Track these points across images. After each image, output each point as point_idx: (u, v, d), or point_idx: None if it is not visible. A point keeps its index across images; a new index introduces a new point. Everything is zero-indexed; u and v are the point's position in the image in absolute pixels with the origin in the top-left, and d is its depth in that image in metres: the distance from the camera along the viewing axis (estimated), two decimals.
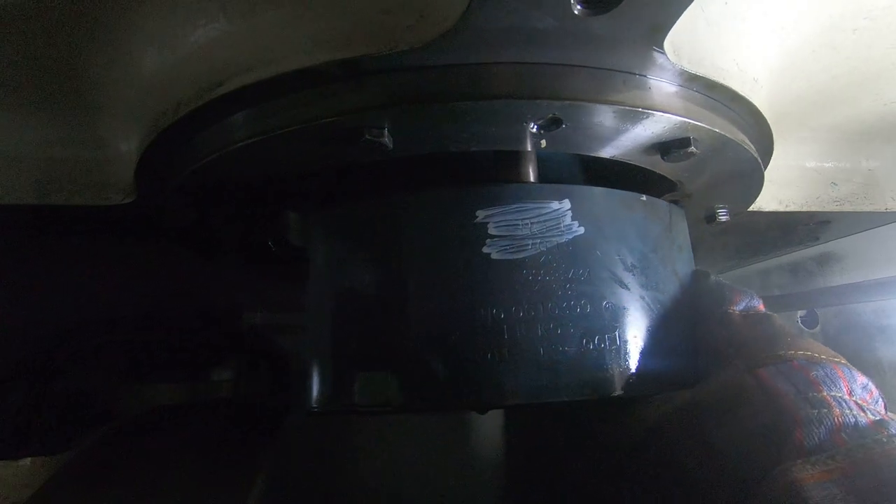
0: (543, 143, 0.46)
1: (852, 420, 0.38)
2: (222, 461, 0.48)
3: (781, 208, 0.75)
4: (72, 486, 0.46)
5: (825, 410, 0.39)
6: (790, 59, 0.53)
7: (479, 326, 0.42)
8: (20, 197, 0.59)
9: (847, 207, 0.76)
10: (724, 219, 0.65)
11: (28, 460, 0.58)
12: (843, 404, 0.39)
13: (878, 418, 0.39)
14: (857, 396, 0.40)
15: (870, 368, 0.89)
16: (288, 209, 0.60)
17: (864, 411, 0.39)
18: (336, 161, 0.46)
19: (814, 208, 0.76)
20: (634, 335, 0.45)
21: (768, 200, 0.75)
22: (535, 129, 0.44)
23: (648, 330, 0.46)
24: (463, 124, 0.42)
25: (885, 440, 0.37)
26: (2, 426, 0.78)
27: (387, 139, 0.42)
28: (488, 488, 0.93)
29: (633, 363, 0.45)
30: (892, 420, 0.40)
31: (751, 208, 0.72)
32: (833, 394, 0.40)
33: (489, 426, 0.99)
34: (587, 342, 0.43)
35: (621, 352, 0.44)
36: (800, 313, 0.99)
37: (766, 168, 0.61)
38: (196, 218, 0.59)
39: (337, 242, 0.50)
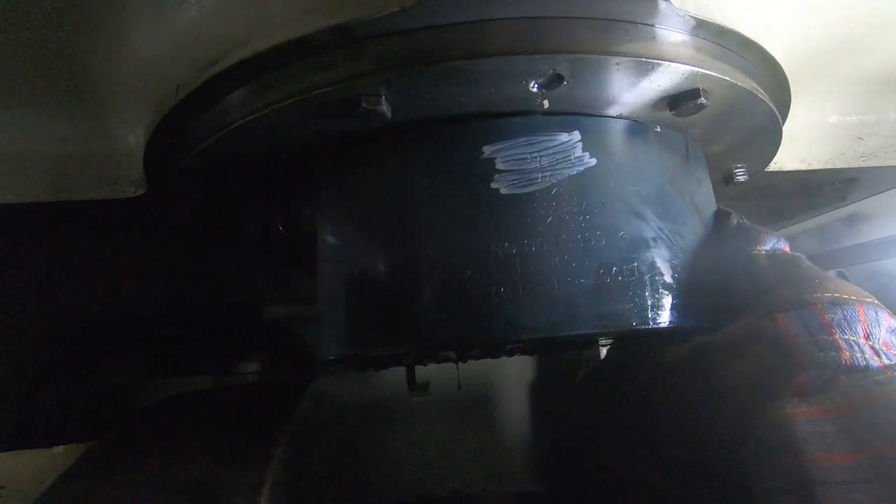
0: (546, 103, 0.45)
1: (862, 363, 0.37)
2: (241, 439, 0.49)
3: (804, 167, 0.72)
4: (94, 468, 0.47)
5: (833, 354, 0.38)
6: (805, 2, 0.51)
7: (491, 262, 0.41)
8: (38, 195, 0.60)
9: (874, 162, 0.73)
10: (741, 178, 0.62)
11: (61, 447, 0.60)
12: (855, 347, 0.38)
13: (893, 362, 0.38)
14: (876, 340, 0.39)
15: None
16: (296, 190, 0.60)
17: (879, 355, 0.38)
18: (336, 133, 0.45)
19: (839, 165, 0.72)
20: (652, 267, 0.44)
21: (789, 160, 0.72)
22: (535, 89, 0.42)
23: (668, 262, 0.45)
24: (460, 86, 0.41)
25: (884, 381, 0.36)
26: (36, 419, 0.81)
27: (384, 107, 0.41)
28: (515, 467, 0.93)
29: (651, 296, 0.43)
30: None
31: (771, 168, 0.69)
32: (846, 337, 0.39)
33: (515, 402, 0.99)
34: (604, 274, 0.42)
35: (640, 284, 0.42)
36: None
37: (784, 122, 0.58)
38: (206, 205, 0.60)
39: (346, 187, 0.49)
